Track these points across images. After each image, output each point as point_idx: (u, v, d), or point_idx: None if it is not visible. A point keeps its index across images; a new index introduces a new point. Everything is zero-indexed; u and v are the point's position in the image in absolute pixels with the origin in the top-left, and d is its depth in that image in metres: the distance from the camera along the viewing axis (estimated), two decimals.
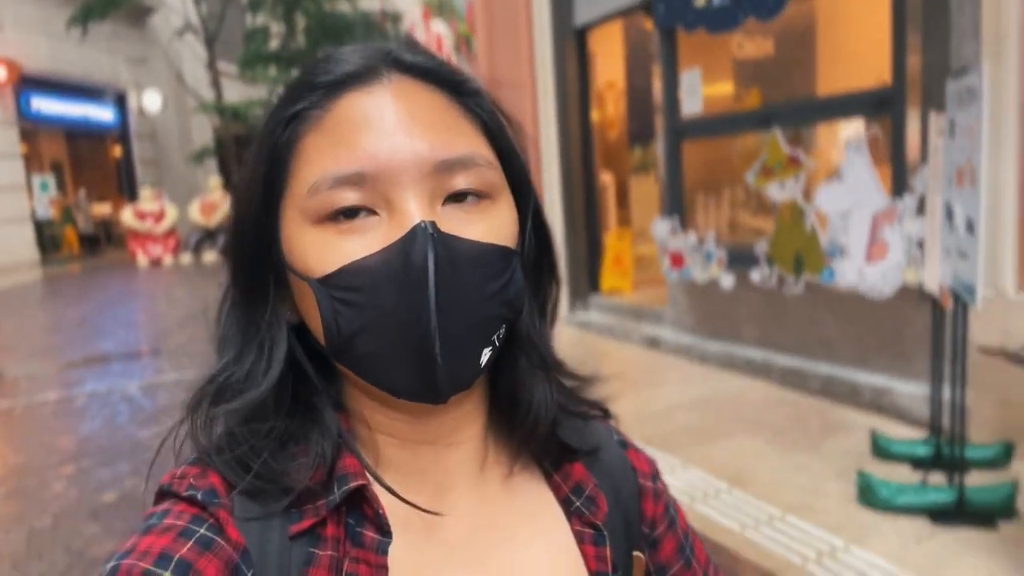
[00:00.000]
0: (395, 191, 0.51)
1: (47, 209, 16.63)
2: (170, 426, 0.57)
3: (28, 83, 15.60)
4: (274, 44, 15.63)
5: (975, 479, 2.97)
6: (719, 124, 5.34)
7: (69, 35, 15.45)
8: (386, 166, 0.51)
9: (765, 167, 4.09)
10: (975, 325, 3.39)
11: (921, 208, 3.27)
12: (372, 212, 0.52)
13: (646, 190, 7.49)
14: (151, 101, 19.09)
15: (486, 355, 0.54)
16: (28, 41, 15.30)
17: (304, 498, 0.54)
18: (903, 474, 3.13)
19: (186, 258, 15.44)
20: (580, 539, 0.63)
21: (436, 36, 9.47)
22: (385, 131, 0.51)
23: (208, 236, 15.46)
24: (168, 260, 15.43)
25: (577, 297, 6.86)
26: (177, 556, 0.48)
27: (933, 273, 3.02)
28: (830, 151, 4.97)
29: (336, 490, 0.54)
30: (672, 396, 4.52)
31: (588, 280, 6.92)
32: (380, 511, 0.54)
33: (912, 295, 3.56)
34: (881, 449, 3.35)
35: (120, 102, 19.11)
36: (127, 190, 19.39)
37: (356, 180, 0.51)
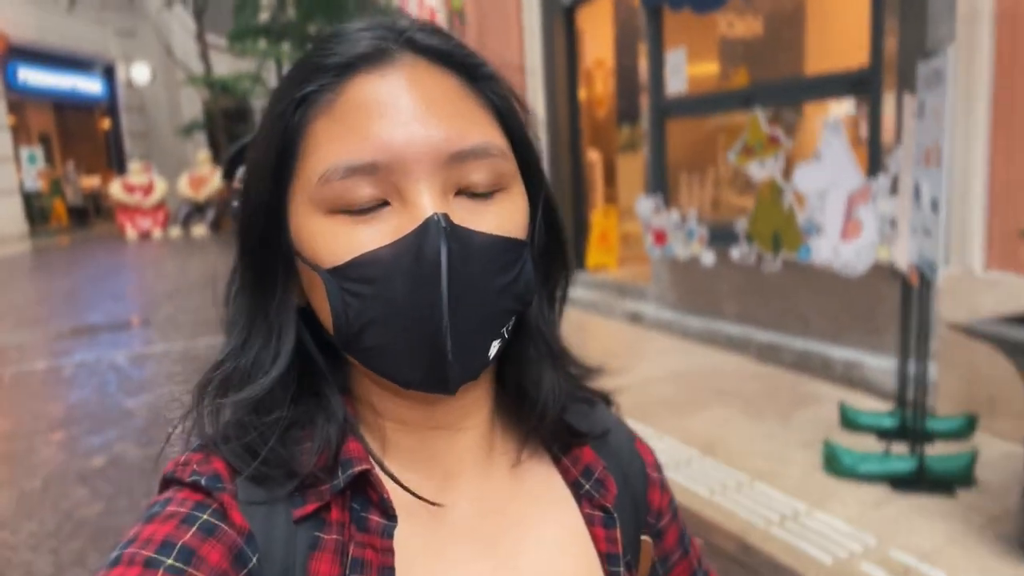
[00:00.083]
0: (408, 182, 0.50)
1: (35, 181, 16.53)
2: (168, 401, 0.58)
3: (15, 54, 15.45)
4: (264, 16, 15.48)
5: (938, 450, 3.08)
6: (702, 103, 5.40)
7: (57, 5, 15.30)
8: (399, 156, 0.50)
9: (746, 146, 4.15)
10: (945, 302, 3.49)
11: (895, 188, 3.35)
12: (384, 202, 0.51)
13: (634, 168, 7.51)
14: (140, 73, 18.94)
15: (495, 347, 0.54)
16: (16, 11, 15.14)
17: (309, 483, 0.54)
18: (869, 444, 3.24)
19: (175, 231, 15.42)
20: (590, 522, 0.63)
21: (429, 9, 9.42)
22: (399, 119, 0.50)
23: (197, 210, 15.41)
24: (157, 233, 15.41)
25: None
26: (180, 543, 0.48)
27: (902, 251, 3.11)
28: (810, 131, 5.03)
29: (340, 475, 0.54)
30: (650, 369, 4.63)
31: (574, 257, 6.98)
32: (385, 495, 0.54)
33: (885, 272, 3.65)
34: (849, 420, 3.46)
35: (108, 74, 18.99)
36: (116, 163, 19.33)
37: (368, 170, 0.50)
